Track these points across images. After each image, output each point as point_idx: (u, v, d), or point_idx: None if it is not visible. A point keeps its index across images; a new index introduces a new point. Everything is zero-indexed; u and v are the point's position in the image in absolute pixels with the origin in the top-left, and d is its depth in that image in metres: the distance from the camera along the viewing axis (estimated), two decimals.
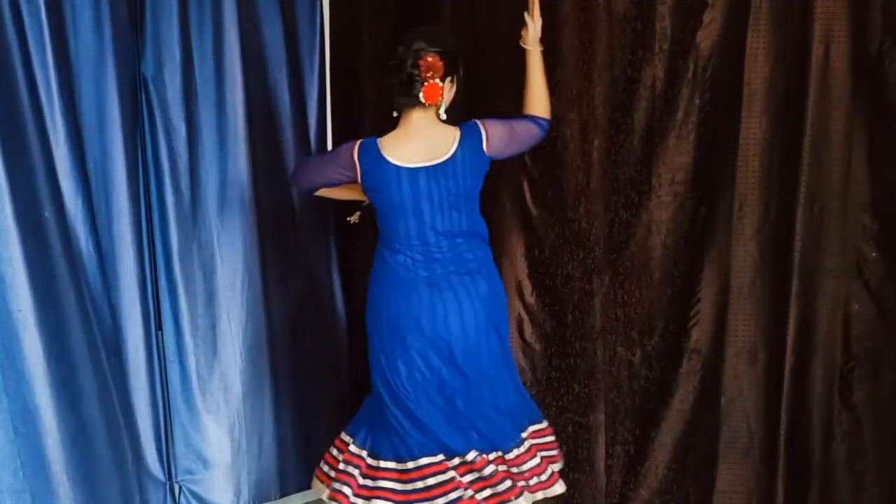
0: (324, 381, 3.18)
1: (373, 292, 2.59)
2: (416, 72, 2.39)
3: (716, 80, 2.69)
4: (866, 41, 2.57)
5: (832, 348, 2.69)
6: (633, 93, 2.76)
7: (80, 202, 2.42)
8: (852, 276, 2.66)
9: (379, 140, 2.47)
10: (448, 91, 2.47)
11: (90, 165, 2.48)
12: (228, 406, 2.84)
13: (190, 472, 2.78)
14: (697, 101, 2.71)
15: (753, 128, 2.67)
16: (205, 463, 2.80)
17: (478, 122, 2.50)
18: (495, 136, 2.49)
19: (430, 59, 2.39)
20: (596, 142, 2.77)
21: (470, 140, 2.47)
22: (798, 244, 2.64)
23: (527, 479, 2.61)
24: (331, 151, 2.60)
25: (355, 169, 2.47)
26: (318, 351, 3.15)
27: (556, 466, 2.76)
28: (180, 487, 2.77)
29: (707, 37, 2.68)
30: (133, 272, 2.60)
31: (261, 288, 2.91)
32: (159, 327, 2.71)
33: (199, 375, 2.77)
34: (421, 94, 2.40)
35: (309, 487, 2.97)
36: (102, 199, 2.52)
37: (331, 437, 2.70)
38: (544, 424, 2.79)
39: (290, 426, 3.03)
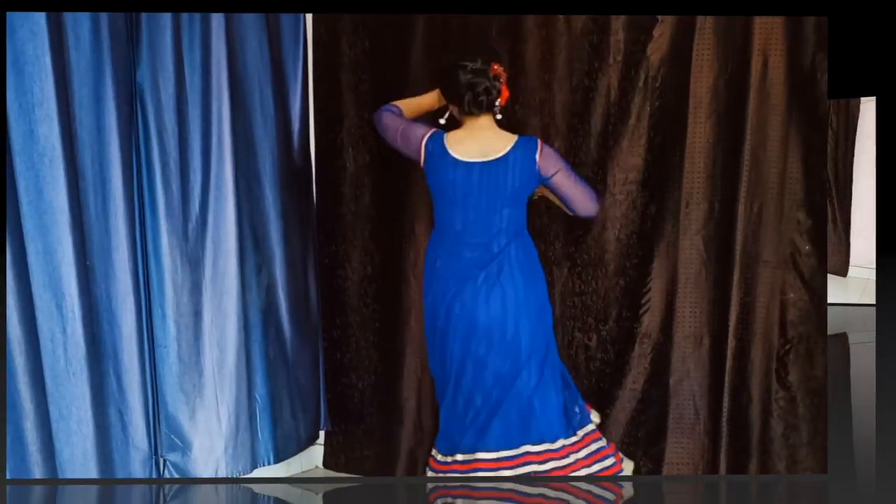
0: (296, 367, 3.34)
1: (426, 275, 2.84)
2: (497, 82, 2.63)
3: (665, 88, 2.87)
4: (800, 55, 2.77)
5: (770, 333, 2.88)
6: (589, 100, 2.92)
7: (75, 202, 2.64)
8: (788, 268, 2.86)
9: (445, 135, 2.68)
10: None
11: (88, 165, 2.67)
12: (209, 388, 2.99)
13: (172, 448, 2.95)
14: (648, 108, 2.88)
15: (699, 132, 2.85)
16: (185, 440, 2.97)
17: (537, 138, 2.71)
18: (549, 156, 2.67)
19: (496, 66, 2.65)
20: (556, 145, 2.91)
21: (525, 148, 2.67)
22: (739, 238, 2.83)
23: None
24: (408, 125, 2.73)
25: (420, 153, 2.70)
26: (294, 338, 3.31)
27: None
28: (164, 461, 2.94)
29: (657, 49, 2.85)
30: (127, 264, 2.76)
31: (241, 278, 3.05)
32: (149, 314, 2.88)
33: (181, 360, 2.94)
34: (499, 100, 2.64)
35: (279, 461, 3.18)
36: (99, 197, 2.70)
37: (305, 415, 2.78)
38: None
39: (264, 407, 3.20)
